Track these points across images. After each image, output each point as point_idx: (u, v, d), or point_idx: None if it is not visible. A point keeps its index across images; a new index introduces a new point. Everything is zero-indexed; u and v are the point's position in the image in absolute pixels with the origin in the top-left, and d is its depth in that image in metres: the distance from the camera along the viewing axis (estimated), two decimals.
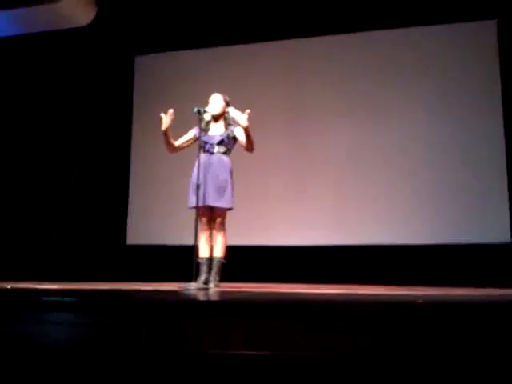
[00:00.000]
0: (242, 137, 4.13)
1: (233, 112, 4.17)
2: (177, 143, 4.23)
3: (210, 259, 4.06)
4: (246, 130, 4.01)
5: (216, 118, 4.19)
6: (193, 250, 3.87)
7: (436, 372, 1.88)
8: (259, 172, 6.62)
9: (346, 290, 3.90)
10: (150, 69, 7.47)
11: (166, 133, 4.11)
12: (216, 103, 4.19)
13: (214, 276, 4.01)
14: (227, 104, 4.24)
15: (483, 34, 6.26)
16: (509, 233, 5.89)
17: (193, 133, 4.24)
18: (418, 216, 6.19)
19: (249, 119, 3.95)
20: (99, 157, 7.42)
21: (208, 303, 2.53)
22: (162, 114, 4.06)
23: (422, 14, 6.43)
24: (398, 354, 1.93)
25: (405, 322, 1.97)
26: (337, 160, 6.58)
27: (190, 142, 4.26)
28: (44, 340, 2.34)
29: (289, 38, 6.92)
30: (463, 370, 1.86)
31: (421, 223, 6.16)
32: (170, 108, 4.07)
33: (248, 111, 3.93)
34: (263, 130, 6.60)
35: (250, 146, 4.12)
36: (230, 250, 4.17)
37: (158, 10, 6.98)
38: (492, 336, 1.88)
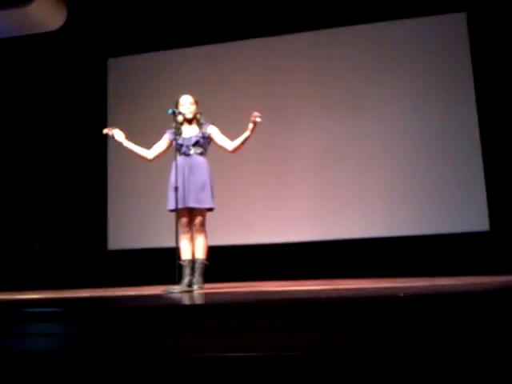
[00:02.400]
0: (218, 138, 4.13)
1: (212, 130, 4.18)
2: (152, 154, 4.21)
3: (193, 261, 4.05)
4: (248, 138, 4.05)
5: (189, 120, 4.18)
6: (175, 252, 3.85)
7: (423, 365, 1.90)
8: (238, 171, 6.61)
9: (330, 284, 3.92)
10: (123, 71, 7.41)
11: (126, 146, 4.18)
12: (188, 104, 4.17)
13: (197, 278, 4.00)
14: (197, 104, 4.23)
15: (454, 26, 6.35)
16: (487, 221, 5.99)
17: (166, 137, 4.22)
18: (398, 208, 6.25)
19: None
20: (76, 163, 7.33)
21: (192, 306, 2.51)
22: (106, 130, 4.08)
23: (395, 8, 6.49)
24: (382, 348, 1.95)
25: (388, 316, 1.98)
26: (316, 156, 6.61)
27: (165, 148, 4.24)
28: (28, 351, 2.31)
29: (263, 35, 6.91)
30: (449, 362, 1.89)
31: (401, 215, 6.22)
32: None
33: (256, 114, 3.97)
34: (241, 128, 6.61)
35: (238, 150, 4.15)
36: (212, 251, 4.16)
37: (130, 11, 6.90)
38: (477, 326, 1.91)
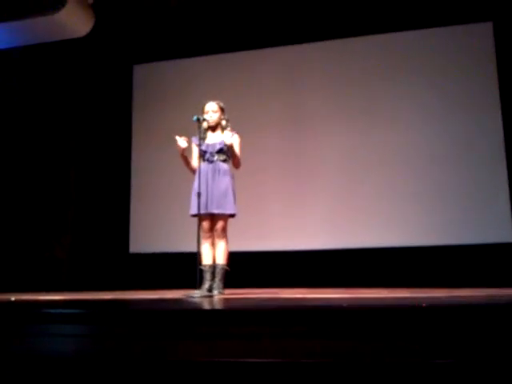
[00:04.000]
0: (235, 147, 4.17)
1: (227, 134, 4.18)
2: (195, 163, 4.17)
3: (213, 266, 4.07)
4: (231, 148, 4.07)
5: (214, 126, 4.21)
6: (196, 257, 3.88)
7: (443, 375, 1.88)
8: (259, 178, 6.62)
9: (349, 293, 3.91)
10: (149, 78, 7.51)
11: (183, 155, 4.14)
12: (212, 111, 4.19)
13: (217, 283, 4.02)
14: (222, 110, 4.24)
15: (480, 35, 6.30)
16: (511, 232, 5.90)
17: (193, 144, 4.23)
18: (418, 218, 6.19)
19: (233, 139, 4.08)
20: (100, 167, 7.44)
21: (212, 311, 2.53)
22: (177, 137, 4.08)
23: (419, 18, 6.47)
24: (402, 357, 1.94)
25: (409, 326, 1.97)
26: (336, 164, 6.60)
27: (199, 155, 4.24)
28: (48, 352, 2.35)
29: (286, 44, 6.95)
30: (470, 373, 1.87)
31: (421, 225, 6.16)
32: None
33: (231, 134, 4.03)
34: (261, 135, 6.65)
35: (235, 163, 4.19)
36: (233, 257, 4.18)
37: (156, 18, 7.01)
38: (497, 338, 1.89)
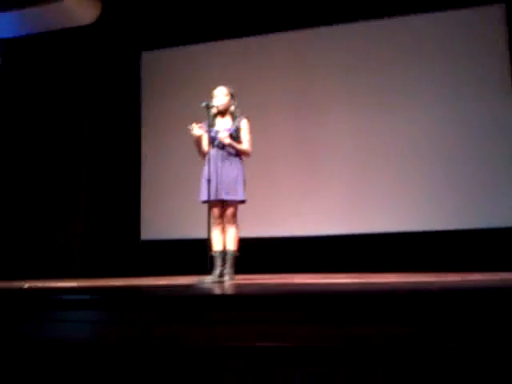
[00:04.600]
0: (241, 133, 4.14)
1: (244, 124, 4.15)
2: (206, 147, 4.17)
3: (224, 252, 4.08)
4: (231, 145, 4.04)
5: (222, 112, 4.18)
6: (206, 243, 3.89)
7: (456, 359, 1.88)
8: (270, 164, 6.61)
9: (360, 278, 3.91)
10: (157, 64, 7.49)
11: (198, 142, 4.12)
12: (221, 96, 4.17)
13: (228, 269, 4.03)
14: (232, 96, 4.22)
15: (491, 19, 6.18)
16: None
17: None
18: (429, 203, 6.17)
19: (225, 138, 4.03)
20: (109, 155, 7.47)
21: (223, 296, 2.54)
22: (194, 124, 4.05)
23: (430, 1, 6.36)
24: (415, 342, 1.94)
25: (420, 310, 1.97)
26: (347, 149, 6.57)
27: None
28: (62, 338, 2.37)
29: (294, 28, 6.88)
30: (483, 357, 1.86)
31: (431, 210, 6.14)
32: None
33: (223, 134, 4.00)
34: (272, 121, 6.63)
35: (240, 155, 4.14)
36: (245, 243, 4.19)
37: (163, 4, 6.97)
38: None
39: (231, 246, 4.08)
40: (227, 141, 4.04)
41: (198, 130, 4.08)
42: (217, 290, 2.92)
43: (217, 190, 3.98)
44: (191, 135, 4.09)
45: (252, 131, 4.18)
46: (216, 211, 4.09)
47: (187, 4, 6.92)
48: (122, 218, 7.31)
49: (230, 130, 4.11)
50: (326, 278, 4.25)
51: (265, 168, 6.52)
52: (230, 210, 4.08)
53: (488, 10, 6.22)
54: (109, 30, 7.23)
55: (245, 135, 4.14)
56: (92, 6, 6.58)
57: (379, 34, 6.59)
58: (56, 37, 7.01)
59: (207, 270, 3.83)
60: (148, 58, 7.56)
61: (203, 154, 4.19)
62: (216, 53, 7.13)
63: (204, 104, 4.05)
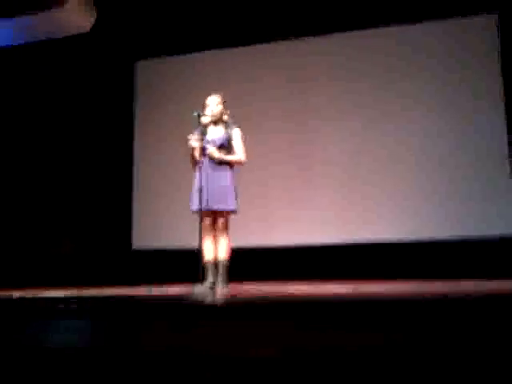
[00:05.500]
0: (233, 143, 4.13)
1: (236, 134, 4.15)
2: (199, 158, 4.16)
3: (215, 262, 4.07)
4: (220, 159, 4.05)
5: (215, 121, 4.19)
6: (198, 252, 3.88)
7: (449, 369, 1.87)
8: (262, 172, 6.60)
9: (353, 287, 3.90)
10: (152, 73, 7.49)
11: (193, 154, 4.11)
12: (213, 105, 4.17)
13: (220, 279, 4.02)
14: (224, 104, 4.21)
15: (483, 28, 6.25)
16: None
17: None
18: (422, 211, 6.17)
19: (213, 153, 4.03)
20: (102, 164, 7.43)
21: (216, 306, 2.53)
22: (191, 135, 4.06)
23: (424, 10, 6.41)
24: (408, 349, 1.93)
25: (414, 318, 1.97)
26: (341, 158, 6.57)
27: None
28: (52, 346, 2.35)
29: (289, 38, 6.89)
30: (473, 366, 1.86)
31: (425, 218, 6.14)
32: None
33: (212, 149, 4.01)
34: (266, 130, 6.64)
35: (232, 164, 4.14)
36: (238, 252, 4.17)
37: (158, 14, 6.99)
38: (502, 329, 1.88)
39: (222, 255, 4.07)
40: (216, 155, 4.04)
41: (195, 142, 4.08)
42: (208, 300, 2.91)
43: (208, 200, 3.97)
44: (189, 146, 4.08)
45: (246, 140, 4.18)
46: (207, 221, 4.07)
47: (182, 13, 6.94)
48: (114, 226, 7.27)
49: (220, 139, 4.11)
50: (318, 286, 4.25)
51: (258, 177, 6.51)
52: (221, 220, 4.07)
53: (481, 21, 6.27)
54: (104, 39, 7.24)
55: (237, 144, 4.15)
56: (87, 15, 6.59)
57: (372, 44, 6.61)
58: (50, 46, 7.01)
59: (199, 279, 3.81)
60: (143, 66, 7.57)
61: (196, 164, 4.18)
62: (211, 62, 7.15)
63: (196, 113, 4.05)
